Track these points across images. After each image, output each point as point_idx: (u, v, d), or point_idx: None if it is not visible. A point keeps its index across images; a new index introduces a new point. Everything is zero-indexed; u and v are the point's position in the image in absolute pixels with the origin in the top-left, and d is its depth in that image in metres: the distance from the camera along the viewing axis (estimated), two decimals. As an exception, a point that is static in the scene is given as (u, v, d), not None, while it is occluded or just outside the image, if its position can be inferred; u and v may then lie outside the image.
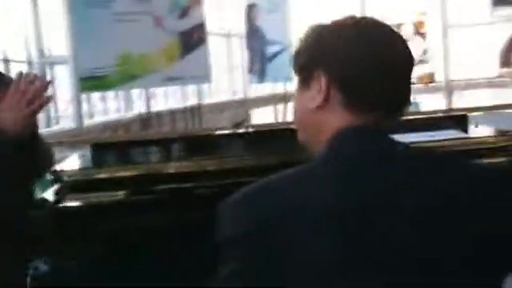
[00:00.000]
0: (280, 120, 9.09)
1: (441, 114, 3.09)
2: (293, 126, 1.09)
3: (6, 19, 5.63)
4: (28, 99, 1.54)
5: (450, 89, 9.87)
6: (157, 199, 1.89)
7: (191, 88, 8.28)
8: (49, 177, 1.82)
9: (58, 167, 1.84)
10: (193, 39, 5.19)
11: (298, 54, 1.03)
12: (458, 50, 9.71)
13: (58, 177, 1.83)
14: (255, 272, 0.88)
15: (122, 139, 2.67)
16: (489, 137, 2.47)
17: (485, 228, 0.91)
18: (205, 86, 8.29)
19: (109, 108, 7.37)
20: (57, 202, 1.83)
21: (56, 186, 1.87)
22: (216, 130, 2.53)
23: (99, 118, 7.01)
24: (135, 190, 1.88)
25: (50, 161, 1.78)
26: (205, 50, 5.33)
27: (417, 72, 10.18)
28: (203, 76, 5.43)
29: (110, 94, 7.14)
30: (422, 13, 10.15)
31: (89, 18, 4.73)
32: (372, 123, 0.96)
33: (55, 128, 6.16)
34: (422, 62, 9.83)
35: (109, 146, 2.03)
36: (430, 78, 10.05)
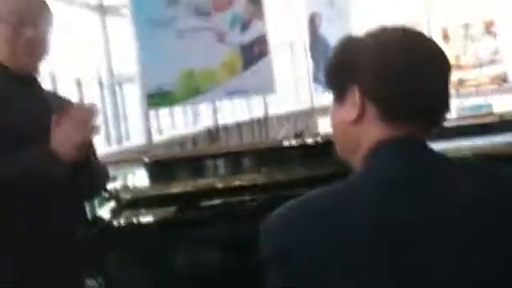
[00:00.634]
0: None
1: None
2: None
3: (78, 43, 5.88)
4: (80, 126, 1.61)
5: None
6: (211, 214, 1.90)
7: (257, 100, 8.33)
8: (104, 194, 1.86)
9: (114, 185, 1.87)
10: (255, 52, 5.24)
11: (329, 68, 1.01)
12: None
13: (113, 195, 1.87)
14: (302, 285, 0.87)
15: (179, 155, 2.70)
16: None
17: None
18: (271, 97, 8.33)
19: (176, 123, 7.53)
20: (112, 219, 1.86)
21: (112, 204, 1.91)
22: (273, 141, 2.52)
23: (168, 133, 7.17)
24: (188, 205, 1.90)
25: (103, 180, 1.84)
26: (267, 61, 5.36)
27: (488, 72, 9.86)
28: (267, 87, 5.46)
29: (178, 109, 7.31)
30: (491, 12, 9.83)
31: (154, 36, 4.87)
32: (409, 134, 0.94)
33: (126, 144, 6.35)
34: (492, 62, 9.52)
35: (168, 163, 2.06)
36: (502, 78, 9.70)
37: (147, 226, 1.85)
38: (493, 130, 2.42)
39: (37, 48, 1.71)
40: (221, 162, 2.04)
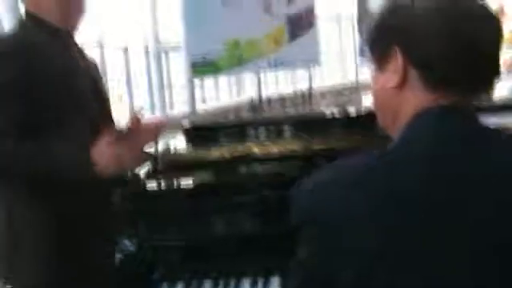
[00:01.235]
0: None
1: None
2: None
3: (125, 10, 5.93)
4: (134, 154, 1.63)
5: None
6: (249, 180, 1.90)
7: (301, 73, 8.27)
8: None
9: (152, 149, 1.88)
10: (301, 23, 5.18)
11: (373, 31, 0.98)
12: None
13: (150, 158, 1.88)
14: (328, 255, 0.86)
15: (218, 122, 2.71)
16: None
17: None
18: (315, 71, 8.25)
19: (220, 94, 7.56)
20: (147, 182, 1.88)
21: (149, 167, 1.92)
22: (315, 112, 2.50)
23: (211, 104, 7.21)
24: (225, 171, 1.91)
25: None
26: (314, 33, 5.30)
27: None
28: (312, 60, 5.41)
29: (223, 80, 7.32)
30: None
31: (199, 5, 4.87)
32: (454, 102, 0.91)
33: (170, 112, 6.42)
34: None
35: (207, 129, 2.06)
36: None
37: (183, 190, 1.86)
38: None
39: (77, 4, 1.74)
40: (261, 130, 2.04)
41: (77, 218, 1.68)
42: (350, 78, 9.83)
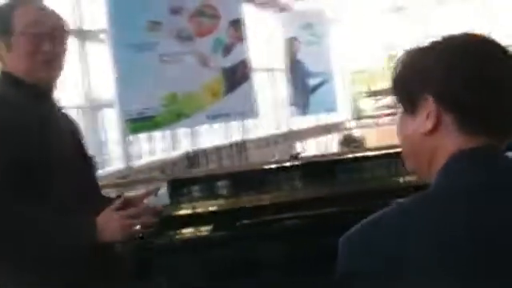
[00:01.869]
0: (324, 151, 9.05)
1: None
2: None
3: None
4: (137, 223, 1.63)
5: None
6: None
7: (235, 124, 8.32)
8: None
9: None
10: (237, 75, 5.23)
11: (398, 79, 0.99)
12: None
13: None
14: None
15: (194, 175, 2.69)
16: None
17: None
18: (249, 122, 8.32)
19: (155, 148, 7.47)
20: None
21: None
22: (268, 164, 2.51)
23: (147, 159, 7.10)
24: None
25: None
26: (250, 85, 5.36)
27: None
28: (249, 111, 5.44)
29: (157, 134, 7.24)
30: None
31: (134, 61, 4.82)
32: (488, 144, 0.92)
33: (107, 169, 6.26)
34: None
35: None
36: None
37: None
38: None
39: (55, 62, 1.68)
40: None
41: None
42: (283, 128, 9.99)
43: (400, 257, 0.85)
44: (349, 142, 8.72)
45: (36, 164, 1.56)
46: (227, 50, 5.17)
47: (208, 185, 2.05)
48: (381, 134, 9.28)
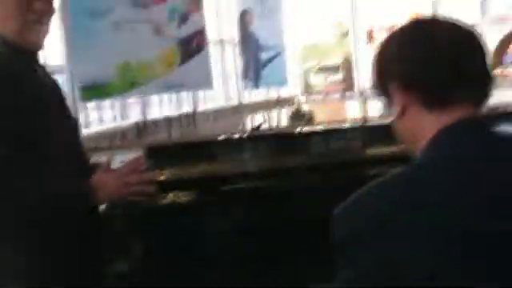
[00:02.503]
0: (273, 125, 9.11)
1: None
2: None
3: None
4: (131, 183, 1.63)
5: None
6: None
7: (186, 95, 8.25)
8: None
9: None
10: (193, 46, 5.19)
11: (373, 77, 1.04)
12: None
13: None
14: (368, 272, 0.88)
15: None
16: None
17: None
18: (200, 93, 8.27)
19: (104, 117, 7.33)
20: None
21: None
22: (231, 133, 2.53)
23: (96, 128, 6.97)
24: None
25: None
26: (205, 56, 5.33)
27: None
28: (204, 82, 5.43)
29: (106, 103, 7.11)
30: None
31: (88, 27, 4.71)
32: (462, 117, 0.95)
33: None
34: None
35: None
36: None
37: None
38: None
39: (45, 23, 1.63)
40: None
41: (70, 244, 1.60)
42: (233, 101, 9.96)
43: (402, 223, 0.88)
44: (298, 116, 8.82)
45: (27, 116, 1.53)
46: (183, 18, 5.11)
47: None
48: (330, 109, 9.41)
